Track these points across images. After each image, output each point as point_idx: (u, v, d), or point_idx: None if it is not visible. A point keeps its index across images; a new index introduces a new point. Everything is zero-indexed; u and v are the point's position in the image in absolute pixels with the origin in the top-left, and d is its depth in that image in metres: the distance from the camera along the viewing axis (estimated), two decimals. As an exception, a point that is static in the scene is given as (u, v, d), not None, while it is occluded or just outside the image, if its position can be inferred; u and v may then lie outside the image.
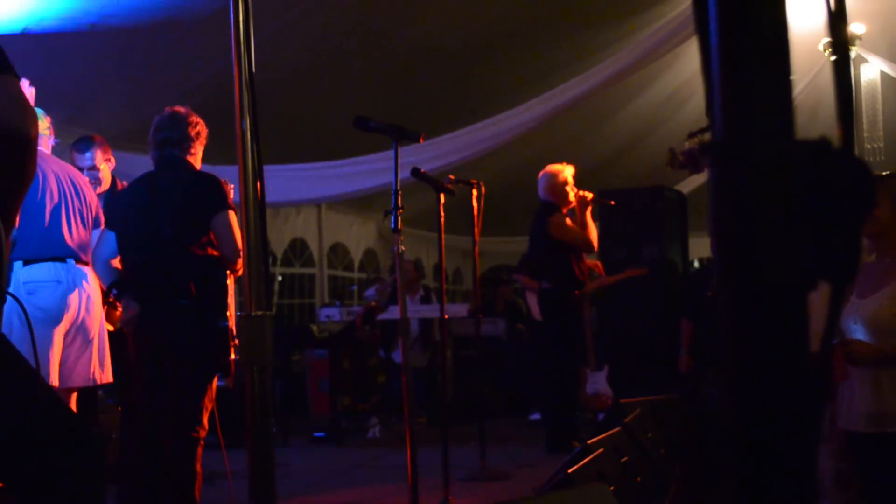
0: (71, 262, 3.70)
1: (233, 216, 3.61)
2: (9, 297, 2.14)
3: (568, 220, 6.31)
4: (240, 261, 3.56)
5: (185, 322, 3.57)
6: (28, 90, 3.85)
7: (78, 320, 3.67)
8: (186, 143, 3.79)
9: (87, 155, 4.34)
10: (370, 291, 9.26)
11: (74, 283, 3.67)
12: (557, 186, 6.33)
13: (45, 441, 2.15)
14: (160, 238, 3.63)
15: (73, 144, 4.41)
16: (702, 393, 5.95)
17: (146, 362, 3.71)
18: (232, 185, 3.93)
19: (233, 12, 1.87)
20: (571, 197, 6.32)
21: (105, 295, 3.93)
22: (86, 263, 3.80)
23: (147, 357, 3.70)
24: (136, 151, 7.51)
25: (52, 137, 3.99)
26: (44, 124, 3.88)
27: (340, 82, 7.75)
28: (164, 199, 3.69)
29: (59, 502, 2.15)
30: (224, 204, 3.64)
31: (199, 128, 3.88)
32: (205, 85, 6.74)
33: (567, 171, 6.40)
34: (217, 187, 3.69)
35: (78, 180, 3.90)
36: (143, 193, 3.76)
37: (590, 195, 6.33)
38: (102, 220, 3.96)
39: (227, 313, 3.62)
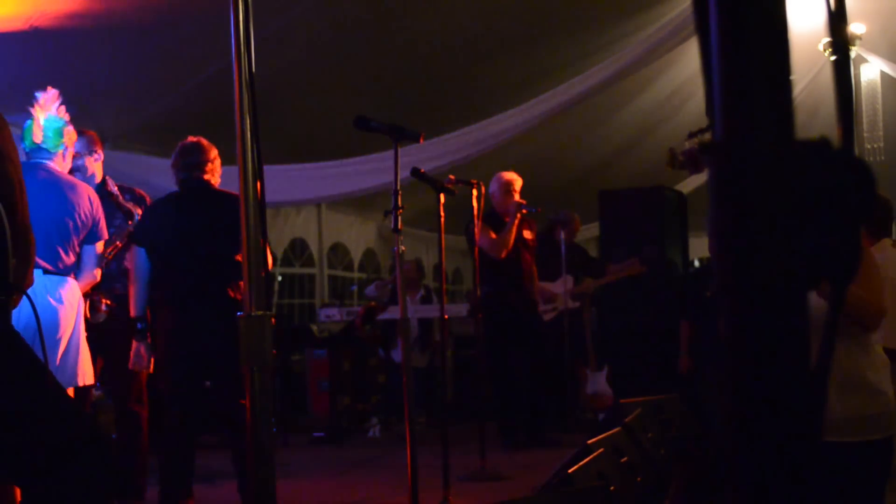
0: (38, 272, 3.71)
1: None
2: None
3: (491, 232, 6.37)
4: (269, 265, 3.85)
5: (231, 322, 3.86)
6: (50, 96, 3.94)
7: (40, 328, 3.68)
8: (215, 170, 4.28)
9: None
10: (370, 289, 9.27)
11: (36, 294, 3.68)
12: (506, 195, 6.43)
13: (55, 438, 2.15)
14: (200, 250, 4.06)
15: None
16: (702, 393, 5.95)
17: (187, 364, 4.11)
18: None
19: (233, 12, 1.87)
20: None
21: (134, 322, 4.23)
22: (63, 273, 3.82)
23: (188, 358, 4.09)
24: (136, 151, 7.52)
25: (69, 148, 4.08)
26: (68, 138, 4.03)
27: (340, 82, 7.75)
28: (200, 216, 4.13)
29: (68, 500, 2.15)
30: None
31: (219, 160, 4.34)
32: (205, 85, 6.74)
33: (516, 183, 6.56)
34: None
35: (72, 195, 3.92)
36: (175, 211, 4.19)
37: (522, 201, 6.39)
38: (105, 234, 4.05)
39: None
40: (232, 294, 4.05)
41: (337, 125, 6.36)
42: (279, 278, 10.31)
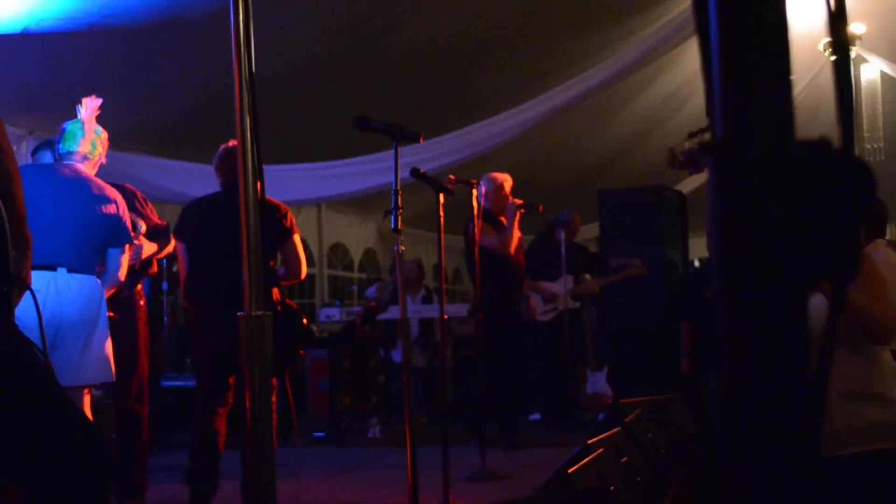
0: (62, 270, 3.80)
1: (297, 239, 4.40)
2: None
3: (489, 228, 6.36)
4: (303, 273, 4.42)
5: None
6: (93, 104, 4.09)
7: (60, 326, 3.75)
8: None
9: (47, 154, 4.50)
10: (371, 290, 9.26)
11: (59, 291, 3.75)
12: (500, 195, 6.43)
13: (55, 439, 2.15)
14: (234, 253, 4.00)
15: (36, 147, 4.66)
16: (702, 393, 5.95)
17: (213, 361, 4.31)
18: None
19: (233, 12, 1.87)
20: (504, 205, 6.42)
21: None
22: (86, 272, 3.90)
23: (222, 357, 4.23)
24: (136, 151, 7.51)
25: (103, 155, 4.19)
26: (103, 147, 4.15)
27: (340, 82, 7.75)
28: (238, 220, 4.08)
29: (68, 500, 2.15)
30: (292, 229, 4.39)
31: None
32: (205, 85, 6.74)
33: (508, 183, 6.55)
34: (287, 215, 4.42)
35: (103, 196, 4.02)
36: (218, 212, 4.32)
37: (519, 202, 6.37)
38: (130, 238, 4.15)
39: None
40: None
41: (337, 125, 6.36)
42: (279, 278, 10.29)
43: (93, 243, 3.95)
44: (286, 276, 4.42)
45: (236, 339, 4.18)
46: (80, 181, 3.99)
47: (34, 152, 4.62)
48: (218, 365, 4.31)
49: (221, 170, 4.46)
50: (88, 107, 4.09)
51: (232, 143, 4.43)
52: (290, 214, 4.44)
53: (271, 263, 4.39)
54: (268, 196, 2.14)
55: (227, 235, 4.21)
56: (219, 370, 4.33)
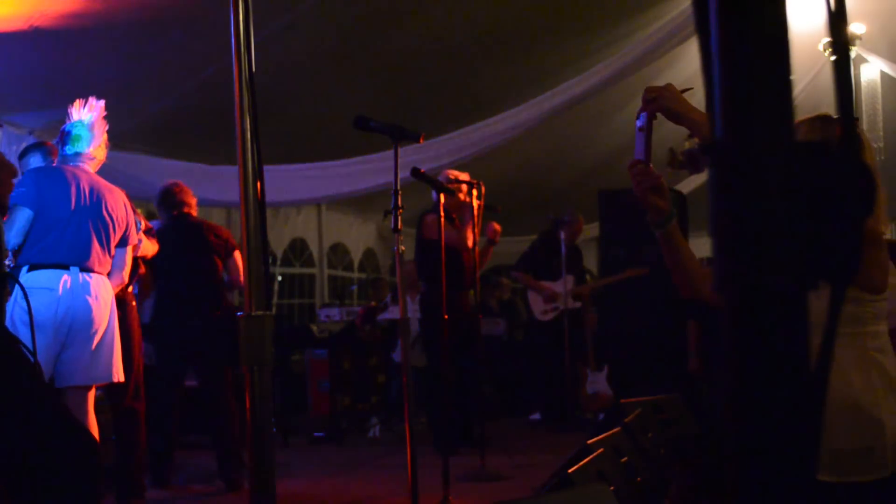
0: (75, 269, 3.86)
1: (238, 254, 5.39)
2: (14, 296, 2.15)
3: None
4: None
5: (224, 325, 5.18)
6: (98, 105, 4.17)
7: (73, 324, 3.78)
8: (194, 203, 5.51)
9: (37, 156, 4.53)
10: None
11: (72, 289, 3.80)
12: (458, 193, 6.36)
13: (43, 441, 2.15)
14: (199, 270, 5.35)
15: (24, 150, 4.71)
16: (706, 394, 5.95)
17: (181, 360, 5.38)
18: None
19: (233, 12, 1.87)
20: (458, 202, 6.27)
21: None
22: (95, 272, 3.96)
23: (180, 356, 5.34)
24: (135, 151, 7.51)
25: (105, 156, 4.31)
26: (104, 151, 4.27)
27: (340, 82, 7.75)
28: (194, 243, 5.37)
29: (56, 502, 2.15)
30: (234, 247, 5.46)
31: (195, 198, 5.57)
32: (205, 85, 6.73)
33: (461, 177, 6.40)
34: (228, 235, 5.56)
35: (110, 199, 4.10)
36: (173, 239, 5.25)
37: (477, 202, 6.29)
38: (134, 239, 4.30)
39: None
40: (211, 296, 5.32)
41: (337, 125, 6.35)
42: (279, 278, 10.31)
43: (105, 244, 4.02)
44: (231, 285, 5.57)
45: (188, 341, 5.24)
46: (92, 183, 4.06)
47: (21, 156, 4.63)
48: (175, 362, 5.33)
49: (165, 205, 5.40)
50: (96, 108, 4.13)
51: (169, 182, 5.44)
52: (231, 235, 5.59)
53: (223, 278, 5.52)
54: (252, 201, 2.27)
55: (178, 258, 5.26)
56: (175, 366, 5.33)
